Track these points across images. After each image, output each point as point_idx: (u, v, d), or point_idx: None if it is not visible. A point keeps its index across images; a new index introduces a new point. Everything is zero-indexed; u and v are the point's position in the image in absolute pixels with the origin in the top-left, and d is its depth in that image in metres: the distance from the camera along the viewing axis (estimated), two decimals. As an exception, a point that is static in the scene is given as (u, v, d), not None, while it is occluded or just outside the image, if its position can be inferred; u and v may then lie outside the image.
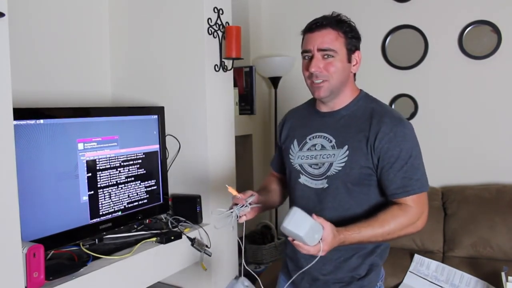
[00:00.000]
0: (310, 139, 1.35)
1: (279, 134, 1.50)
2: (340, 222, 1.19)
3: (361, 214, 1.27)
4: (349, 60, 1.30)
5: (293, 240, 1.11)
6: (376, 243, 1.28)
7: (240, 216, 1.25)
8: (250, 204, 1.27)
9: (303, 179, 1.35)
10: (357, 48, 1.32)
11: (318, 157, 1.31)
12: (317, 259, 1.13)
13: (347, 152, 1.27)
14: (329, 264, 1.31)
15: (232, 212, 1.24)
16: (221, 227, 1.50)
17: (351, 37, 1.29)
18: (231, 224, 1.25)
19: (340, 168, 1.27)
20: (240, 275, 1.25)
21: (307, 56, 1.30)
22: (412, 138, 1.28)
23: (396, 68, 2.81)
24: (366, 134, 1.26)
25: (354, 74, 1.36)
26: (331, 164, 1.28)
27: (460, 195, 2.52)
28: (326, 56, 1.27)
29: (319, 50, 1.27)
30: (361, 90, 1.39)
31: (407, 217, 1.22)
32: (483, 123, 2.64)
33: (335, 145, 1.29)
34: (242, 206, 1.25)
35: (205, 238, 1.89)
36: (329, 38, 1.27)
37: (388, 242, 1.32)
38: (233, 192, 1.27)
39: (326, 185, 1.29)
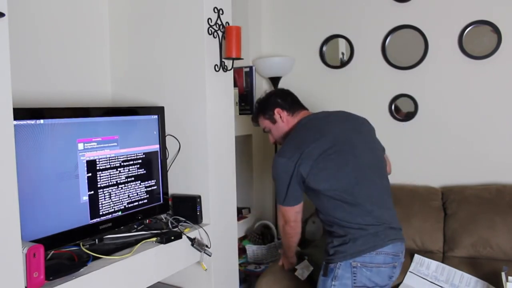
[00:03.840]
0: None
1: None
2: None
3: None
4: (273, 122, 1.87)
5: None
6: (289, 245, 1.97)
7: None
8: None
9: None
10: (274, 108, 1.85)
11: None
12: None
13: None
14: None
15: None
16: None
17: (264, 109, 1.89)
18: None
19: None
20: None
21: None
22: (272, 168, 1.72)
23: (396, 68, 2.81)
24: None
25: (292, 114, 1.86)
26: None
27: (460, 195, 2.51)
28: (268, 132, 1.94)
29: (264, 131, 1.97)
30: (295, 125, 1.82)
31: (279, 225, 1.89)
32: (483, 123, 2.64)
33: None
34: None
35: (205, 238, 1.89)
36: (260, 123, 1.95)
37: (292, 242, 1.93)
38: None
39: None
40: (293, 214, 1.76)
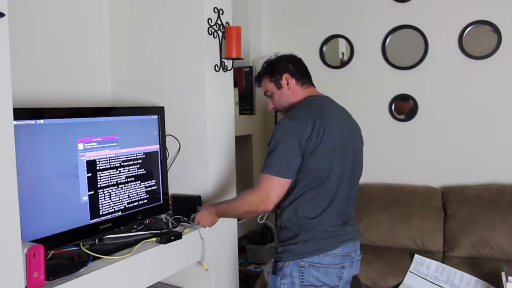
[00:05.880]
0: None
1: None
2: None
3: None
4: (279, 87, 1.70)
5: None
6: (235, 216, 1.81)
7: None
8: None
9: None
10: (283, 72, 1.69)
11: None
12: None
13: None
14: None
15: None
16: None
17: (271, 72, 1.71)
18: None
19: None
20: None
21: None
22: (276, 131, 1.56)
23: (396, 68, 2.81)
24: None
25: (301, 85, 1.71)
26: None
27: (460, 195, 2.52)
28: (269, 96, 1.75)
29: (265, 95, 1.77)
30: (305, 98, 1.67)
31: (249, 193, 1.59)
32: (483, 123, 2.64)
33: None
34: None
35: (205, 238, 1.89)
36: (263, 85, 1.76)
37: (242, 217, 1.80)
38: None
39: None
40: (283, 189, 1.54)
